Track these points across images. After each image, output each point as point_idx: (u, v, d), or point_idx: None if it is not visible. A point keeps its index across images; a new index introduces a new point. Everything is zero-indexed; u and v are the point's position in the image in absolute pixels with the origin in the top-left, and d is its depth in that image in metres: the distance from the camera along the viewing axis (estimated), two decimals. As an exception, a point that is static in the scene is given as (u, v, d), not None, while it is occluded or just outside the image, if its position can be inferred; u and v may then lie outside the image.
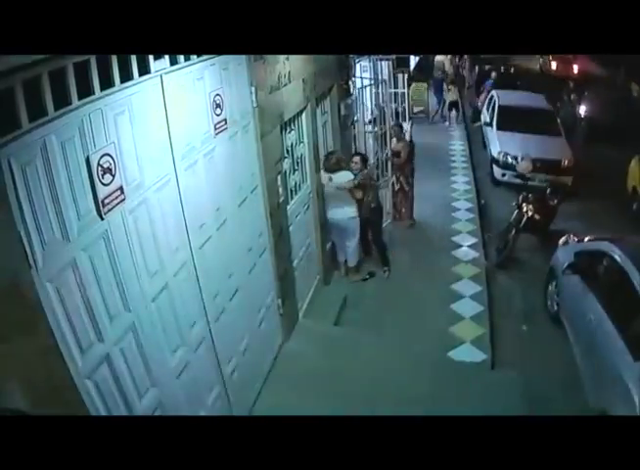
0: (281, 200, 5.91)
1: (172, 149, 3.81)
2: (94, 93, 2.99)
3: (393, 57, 10.96)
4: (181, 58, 3.92)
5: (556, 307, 7.03)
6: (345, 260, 7.98)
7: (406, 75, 11.04)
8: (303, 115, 6.81)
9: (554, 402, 5.34)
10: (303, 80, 6.44)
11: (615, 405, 4.69)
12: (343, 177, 7.36)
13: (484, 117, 14.59)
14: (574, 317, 6.27)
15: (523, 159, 10.87)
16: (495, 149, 12.48)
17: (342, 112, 8.39)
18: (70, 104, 2.83)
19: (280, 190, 5.85)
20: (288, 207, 6.28)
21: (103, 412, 3.00)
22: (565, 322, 6.58)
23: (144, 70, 3.47)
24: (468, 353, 6.41)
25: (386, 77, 10.07)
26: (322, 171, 7.38)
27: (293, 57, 5.95)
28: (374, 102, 9.88)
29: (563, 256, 7.11)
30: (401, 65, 12.05)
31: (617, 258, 5.66)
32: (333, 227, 7.74)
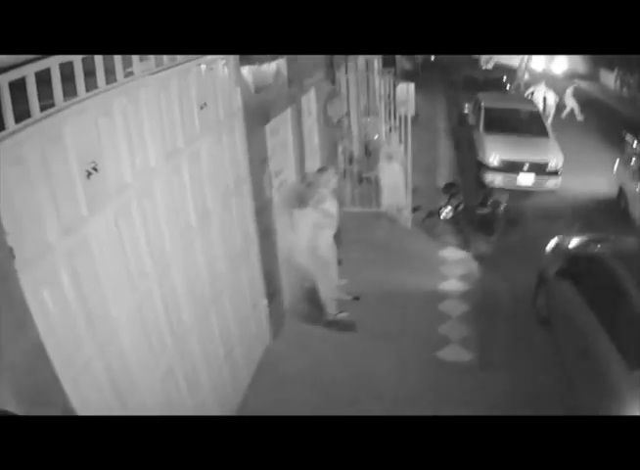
0: (267, 200, 5.91)
1: (157, 150, 3.80)
2: (78, 94, 2.98)
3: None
4: (166, 59, 3.91)
5: (545, 312, 6.89)
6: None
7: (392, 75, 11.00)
8: (289, 114, 6.81)
9: (542, 405, 5.32)
10: (289, 80, 6.44)
11: (606, 413, 4.55)
12: None
13: (470, 120, 14.60)
14: (565, 323, 6.15)
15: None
16: (484, 153, 12.24)
17: (328, 111, 8.41)
18: (55, 105, 2.82)
19: (266, 190, 5.86)
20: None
21: (89, 413, 2.99)
22: (555, 327, 6.52)
23: (129, 71, 3.46)
24: (455, 354, 6.42)
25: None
26: None
27: (279, 56, 5.96)
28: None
29: (552, 259, 7.04)
30: (388, 64, 12.05)
31: (609, 262, 5.52)
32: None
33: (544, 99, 17.46)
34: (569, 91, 18.59)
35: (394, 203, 9.67)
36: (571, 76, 25.66)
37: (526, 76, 22.61)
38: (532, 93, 17.83)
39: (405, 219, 9.62)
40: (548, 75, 24.48)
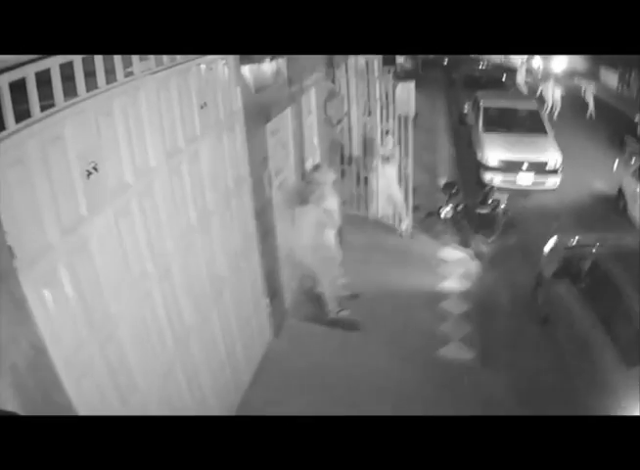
0: (267, 199, 5.91)
1: (157, 150, 3.80)
2: (79, 94, 2.98)
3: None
4: (166, 59, 3.91)
5: (544, 312, 6.92)
6: None
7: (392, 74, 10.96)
8: (289, 114, 6.80)
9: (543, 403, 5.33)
10: (289, 80, 6.44)
11: (605, 410, 4.64)
12: None
13: (469, 119, 14.60)
14: (563, 322, 6.20)
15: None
16: (483, 152, 12.26)
17: (328, 111, 8.40)
18: (55, 105, 2.82)
19: (266, 190, 5.86)
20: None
21: (90, 412, 2.99)
22: (553, 327, 6.53)
23: (129, 71, 3.46)
24: (455, 352, 6.42)
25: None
26: None
27: (278, 56, 5.95)
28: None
29: (551, 259, 7.05)
30: (388, 63, 12.01)
31: (606, 262, 5.56)
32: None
33: (552, 95, 18.24)
34: (590, 89, 19.15)
35: (390, 210, 9.61)
36: (571, 75, 25.77)
37: (539, 76, 22.71)
38: (542, 90, 18.65)
39: (404, 230, 9.45)
40: (556, 73, 24.67)
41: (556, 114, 17.96)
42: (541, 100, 17.89)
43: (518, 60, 25.95)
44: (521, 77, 21.19)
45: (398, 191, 9.30)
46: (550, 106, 18.13)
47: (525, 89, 20.28)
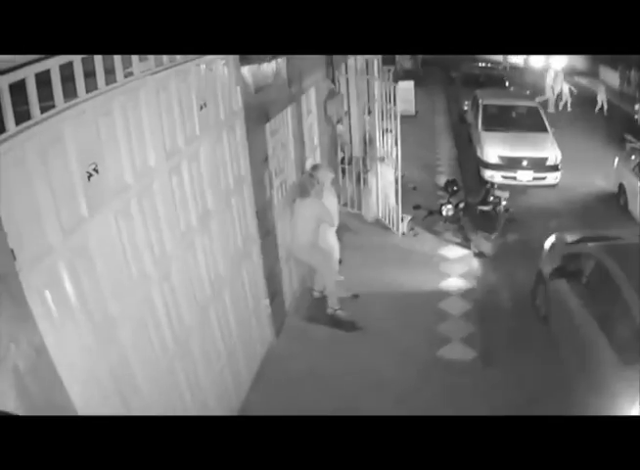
0: (267, 199, 5.92)
1: (157, 151, 3.79)
2: (79, 96, 2.98)
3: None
4: (166, 59, 3.91)
5: (544, 310, 6.91)
6: None
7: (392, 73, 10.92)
8: (289, 113, 6.81)
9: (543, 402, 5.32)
10: (289, 79, 6.44)
11: (603, 408, 4.66)
12: None
13: (469, 117, 14.59)
14: (562, 321, 6.20)
15: None
16: (483, 150, 12.20)
17: (328, 111, 8.40)
18: (55, 106, 2.82)
19: (266, 190, 5.86)
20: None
21: (91, 414, 2.99)
22: (552, 325, 6.56)
23: (128, 71, 3.46)
24: (455, 352, 6.41)
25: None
26: None
27: (278, 56, 5.95)
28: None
29: (550, 257, 7.06)
30: (387, 62, 12.02)
31: (603, 261, 5.56)
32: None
33: (561, 89, 19.32)
34: (602, 89, 19.70)
35: (385, 209, 9.61)
36: (570, 73, 25.80)
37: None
38: (552, 87, 19.47)
39: (405, 230, 9.41)
40: (565, 70, 24.86)
41: (561, 105, 18.92)
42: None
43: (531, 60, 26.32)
44: (550, 79, 20.95)
45: (392, 192, 9.29)
46: (556, 95, 19.01)
47: (551, 92, 20.11)
